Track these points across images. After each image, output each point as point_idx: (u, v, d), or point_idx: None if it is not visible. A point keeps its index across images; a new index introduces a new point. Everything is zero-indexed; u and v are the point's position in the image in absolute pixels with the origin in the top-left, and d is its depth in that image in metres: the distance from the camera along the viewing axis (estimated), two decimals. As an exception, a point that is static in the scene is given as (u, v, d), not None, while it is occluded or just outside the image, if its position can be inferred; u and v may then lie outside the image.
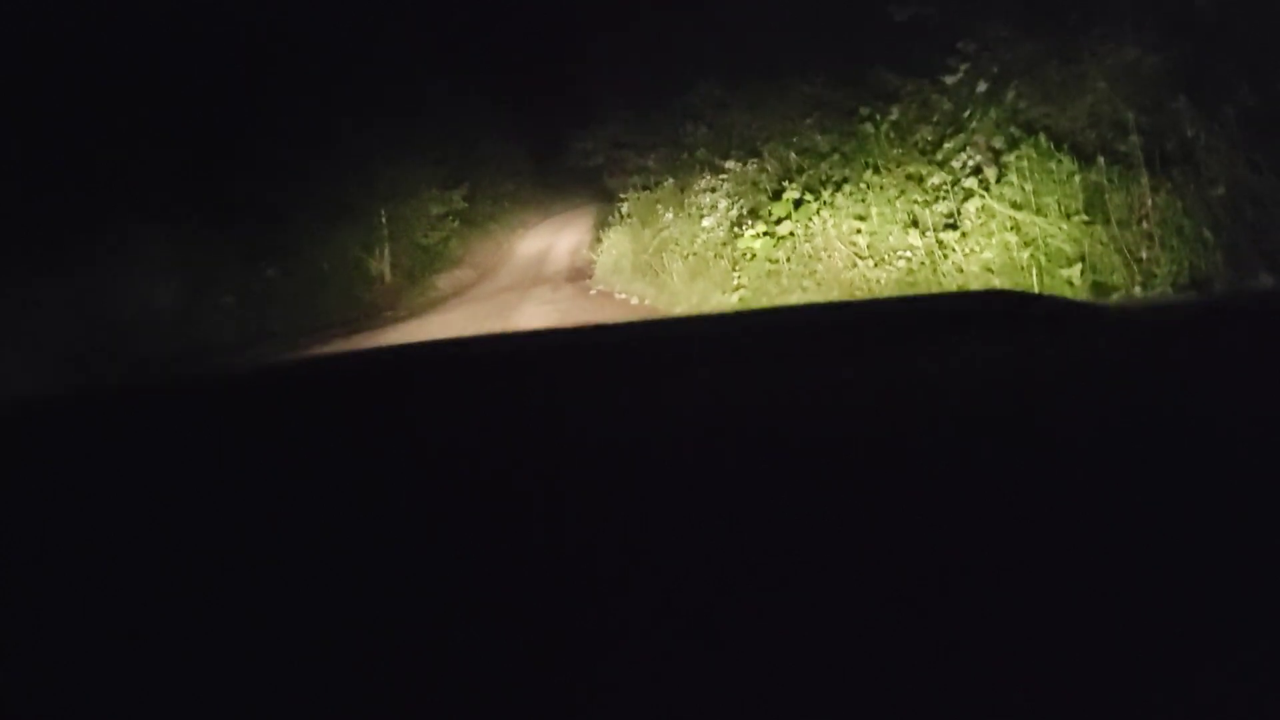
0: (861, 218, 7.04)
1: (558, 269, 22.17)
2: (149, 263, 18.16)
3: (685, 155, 15.66)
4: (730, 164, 12.07)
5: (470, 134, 25.21)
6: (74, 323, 16.04)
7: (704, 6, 14.74)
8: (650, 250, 13.71)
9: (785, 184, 8.84)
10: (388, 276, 20.74)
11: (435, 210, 22.00)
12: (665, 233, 13.47)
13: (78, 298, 16.44)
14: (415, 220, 21.81)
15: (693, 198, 13.45)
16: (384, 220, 21.18)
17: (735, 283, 9.04)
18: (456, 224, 22.81)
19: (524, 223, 28.48)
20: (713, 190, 12.73)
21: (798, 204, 8.36)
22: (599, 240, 20.97)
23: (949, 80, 6.71)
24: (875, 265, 6.54)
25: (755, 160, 11.70)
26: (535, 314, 12.70)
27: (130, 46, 17.80)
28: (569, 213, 29.10)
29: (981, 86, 6.35)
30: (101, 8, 17.20)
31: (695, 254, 11.57)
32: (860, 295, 6.70)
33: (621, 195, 17.22)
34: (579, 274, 20.02)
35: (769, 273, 8.44)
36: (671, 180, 15.38)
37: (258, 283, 19.42)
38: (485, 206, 25.82)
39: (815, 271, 7.62)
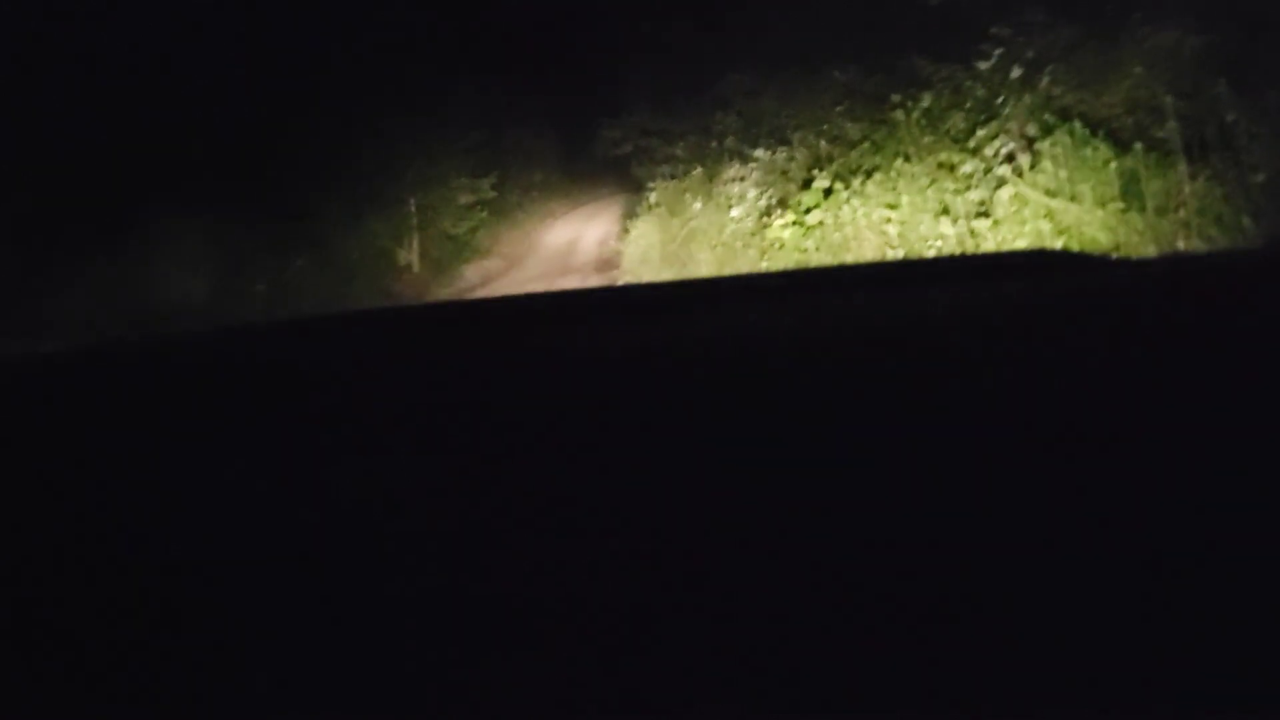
0: (893, 206, 6.97)
1: (586, 259, 22.13)
2: (180, 251, 18.28)
3: (714, 144, 15.59)
4: (759, 153, 12.01)
5: (499, 122, 25.22)
6: (101, 311, 16.22)
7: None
8: (678, 240, 13.66)
9: (815, 173, 8.77)
10: (416, 266, 20.79)
11: (463, 200, 22.05)
12: (694, 223, 13.42)
13: (106, 286, 16.61)
14: (443, 210, 21.86)
15: (721, 187, 13.40)
16: (412, 210, 21.24)
17: (762, 270, 9.00)
18: (485, 214, 22.86)
19: (552, 212, 28.46)
20: (742, 179, 12.66)
21: (828, 193, 8.30)
22: (627, 231, 20.97)
23: (982, 66, 6.62)
24: (906, 254, 6.47)
25: (785, 149, 11.63)
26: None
27: (157, 39, 17.93)
28: (597, 202, 29.03)
29: (1015, 72, 6.25)
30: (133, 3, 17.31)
31: (723, 244, 11.52)
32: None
33: (649, 185, 17.17)
34: (607, 264, 19.97)
35: (797, 262, 8.37)
36: (700, 169, 15.33)
37: (288, 272, 19.52)
38: (513, 196, 25.85)
39: (846, 261, 7.55)
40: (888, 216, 7.00)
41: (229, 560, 0.59)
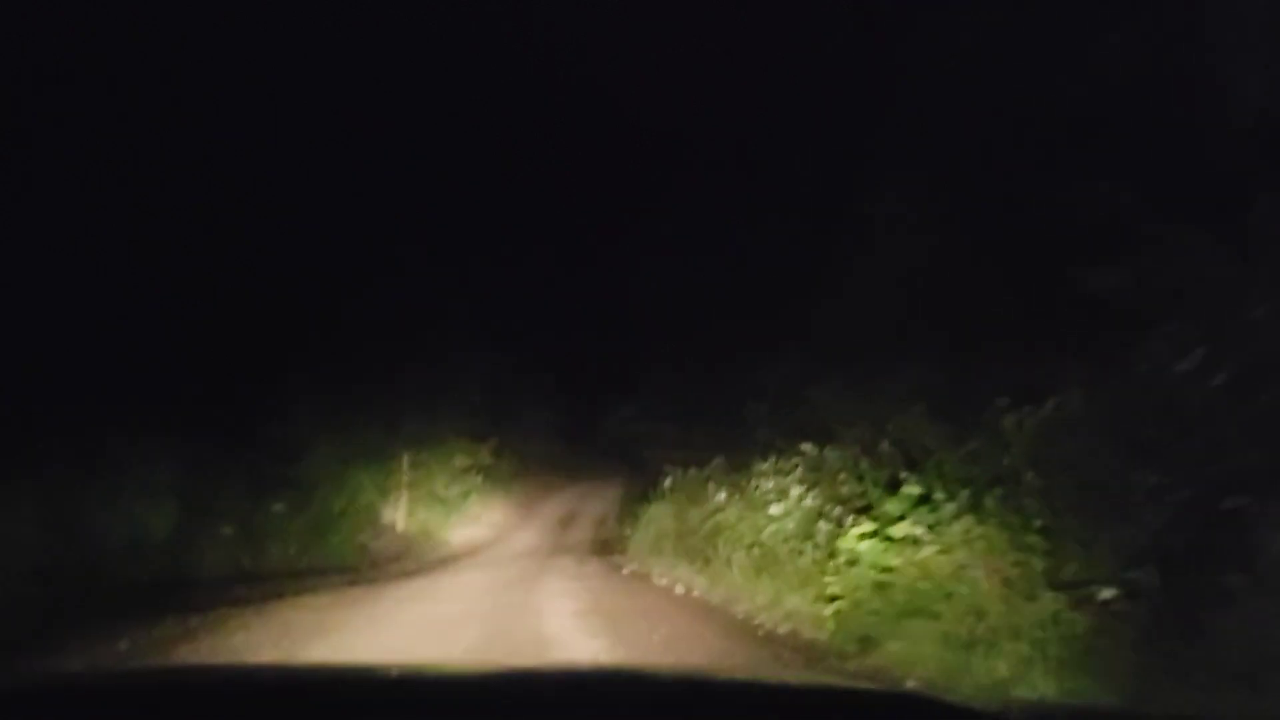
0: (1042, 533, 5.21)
1: (580, 539, 20.22)
2: (146, 482, 16.39)
3: (737, 433, 14.05)
4: (807, 447, 10.35)
5: (505, 391, 23.95)
6: (48, 539, 14.16)
7: (779, 278, 13.57)
8: (700, 533, 11.79)
9: (905, 474, 7.02)
10: (400, 525, 18.77)
11: (460, 462, 20.30)
12: (720, 515, 11.60)
13: (58, 512, 14.63)
14: (438, 470, 20.07)
15: (752, 480, 11.70)
16: (405, 467, 19.47)
17: (828, 589, 7.05)
18: (480, 479, 21.04)
19: (547, 486, 26.73)
20: (781, 474, 10.99)
21: (923, 500, 6.54)
22: (630, 514, 19.18)
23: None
24: (1073, 605, 4.64)
25: (833, 445, 9.99)
26: (562, 591, 10.68)
27: (159, 258, 16.87)
28: (595, 481, 27.46)
29: (1219, 378, 4.70)
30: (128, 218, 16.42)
31: (761, 544, 9.66)
32: (1041, 639, 4.78)
33: (666, 468, 15.47)
34: (605, 547, 18.06)
35: (878, 584, 6.51)
36: (722, 458, 13.71)
37: (261, 516, 17.52)
38: (510, 465, 24.12)
39: (955, 595, 5.70)
40: (1035, 544, 5.19)
41: None
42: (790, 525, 9.57)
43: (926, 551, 6.19)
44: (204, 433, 17.09)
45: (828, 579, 7.19)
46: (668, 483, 15.13)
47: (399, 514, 18.96)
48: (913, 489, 6.69)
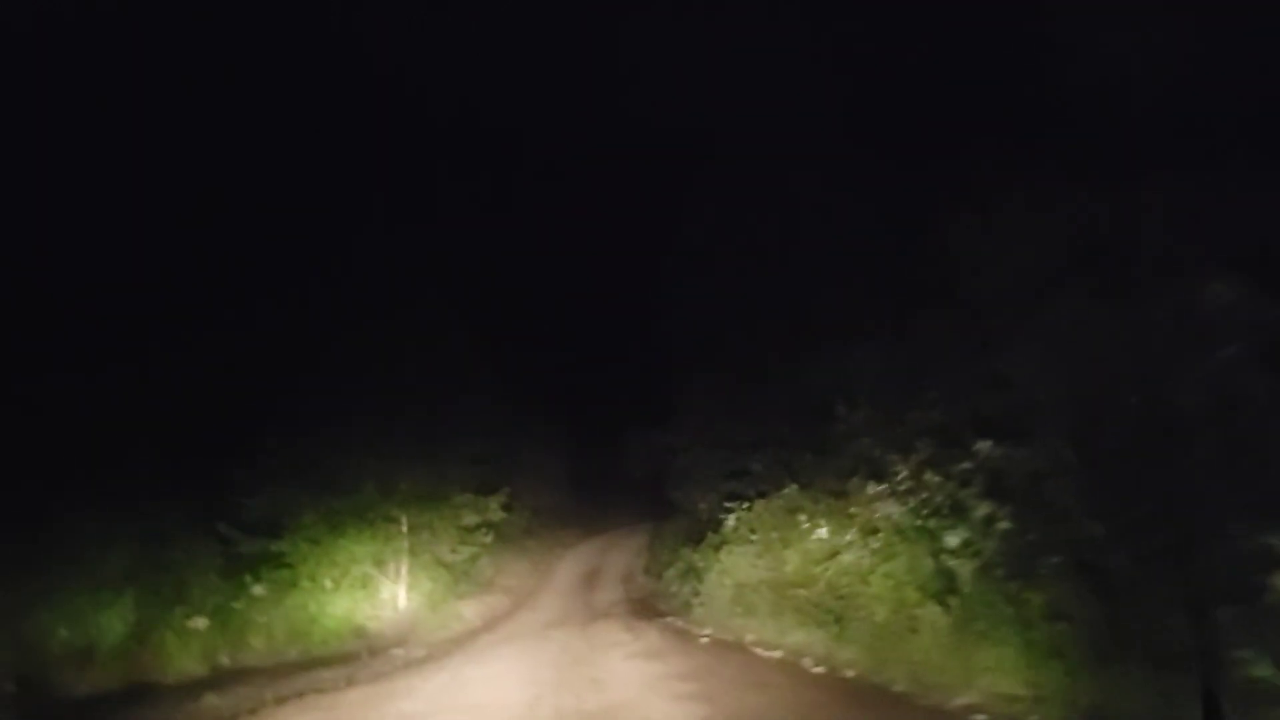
0: None
1: (612, 599, 16.60)
2: (98, 571, 12.77)
3: (814, 449, 10.60)
4: (982, 445, 6.89)
5: (512, 434, 20.33)
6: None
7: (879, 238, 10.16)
8: (819, 583, 8.22)
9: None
10: (402, 601, 15.00)
11: (468, 519, 16.55)
12: (845, 556, 8.04)
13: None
14: (442, 531, 16.30)
15: (868, 505, 8.21)
16: (404, 530, 15.74)
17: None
18: (490, 538, 17.28)
19: (563, 541, 23.02)
20: (917, 492, 7.52)
21: None
22: (666, 564, 15.64)
23: None
24: None
25: (1020, 440, 6.54)
26: (644, 682, 7.11)
27: (111, 304, 13.39)
28: (613, 530, 23.88)
29: None
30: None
31: (959, 594, 6.12)
32: None
33: (726, 504, 11.91)
34: (645, 607, 14.51)
35: None
36: (794, 486, 10.26)
37: (239, 602, 13.81)
38: (522, 520, 20.38)
39: None
40: None
41: None
42: (999, 567, 6.06)
43: None
44: (168, 507, 13.49)
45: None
46: (731, 522, 11.58)
47: (400, 586, 15.21)
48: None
